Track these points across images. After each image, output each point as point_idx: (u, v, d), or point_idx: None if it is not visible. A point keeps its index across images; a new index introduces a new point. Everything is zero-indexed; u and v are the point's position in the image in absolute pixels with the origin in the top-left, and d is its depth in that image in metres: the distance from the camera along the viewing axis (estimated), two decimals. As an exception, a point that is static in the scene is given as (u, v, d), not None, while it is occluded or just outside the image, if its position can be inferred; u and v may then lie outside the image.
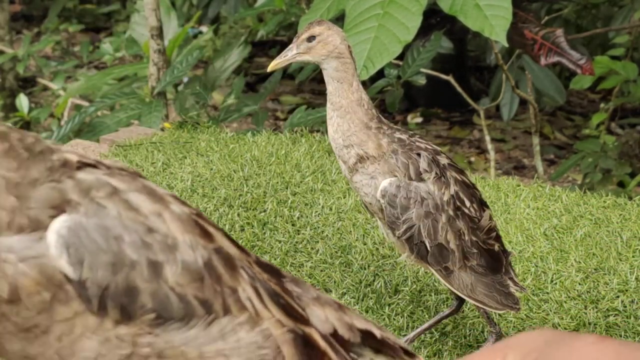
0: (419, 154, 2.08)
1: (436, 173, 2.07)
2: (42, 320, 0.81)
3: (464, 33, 5.36)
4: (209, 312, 0.89)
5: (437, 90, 5.40)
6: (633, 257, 2.54)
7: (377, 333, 1.03)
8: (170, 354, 0.86)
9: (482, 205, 2.14)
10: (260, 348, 0.91)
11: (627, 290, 2.42)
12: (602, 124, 4.94)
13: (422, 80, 3.67)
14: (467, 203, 2.09)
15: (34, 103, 6.33)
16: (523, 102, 4.92)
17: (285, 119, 5.66)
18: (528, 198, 2.93)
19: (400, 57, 3.07)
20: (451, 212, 2.06)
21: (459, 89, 4.12)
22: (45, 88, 6.59)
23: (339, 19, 3.40)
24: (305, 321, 0.97)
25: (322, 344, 0.96)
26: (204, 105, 4.26)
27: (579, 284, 2.45)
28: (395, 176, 2.05)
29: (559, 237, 2.67)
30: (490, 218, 2.13)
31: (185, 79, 5.02)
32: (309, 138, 3.33)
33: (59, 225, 0.83)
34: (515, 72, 4.56)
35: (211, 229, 0.94)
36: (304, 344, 0.95)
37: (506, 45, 2.79)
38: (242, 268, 0.95)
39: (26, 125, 5.78)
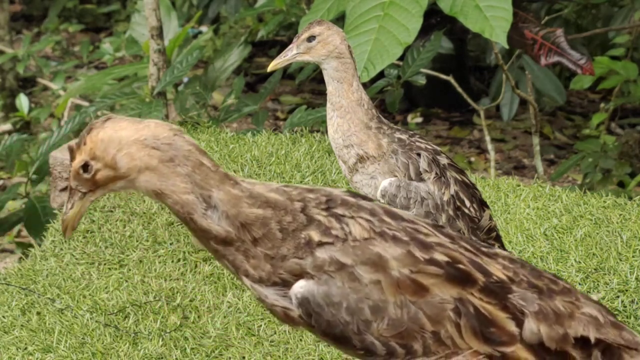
0: (419, 154, 2.08)
1: (436, 173, 2.07)
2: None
3: (464, 33, 5.36)
4: (409, 352, 1.15)
5: (437, 90, 5.39)
6: (633, 257, 2.54)
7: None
8: None
9: (482, 205, 2.15)
10: None
11: (627, 290, 2.42)
12: (602, 124, 4.94)
13: (422, 81, 3.67)
14: (467, 203, 2.09)
15: (34, 103, 6.32)
16: (523, 102, 4.91)
17: (285, 119, 5.66)
18: (528, 198, 2.93)
19: (401, 57, 3.07)
20: (451, 212, 2.06)
21: (459, 89, 4.12)
22: (45, 88, 6.59)
23: (339, 20, 3.39)
24: (510, 342, 1.22)
25: (525, 355, 1.22)
26: (204, 105, 4.26)
27: (579, 283, 2.45)
28: (396, 176, 2.06)
29: (559, 237, 2.67)
30: (490, 218, 2.13)
31: (185, 79, 5.02)
32: (309, 138, 3.33)
33: (297, 288, 1.17)
34: (516, 72, 4.56)
35: (429, 281, 1.18)
36: None
37: (506, 46, 2.79)
38: (449, 310, 1.20)
39: (26, 125, 5.78)
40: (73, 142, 1.24)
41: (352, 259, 1.19)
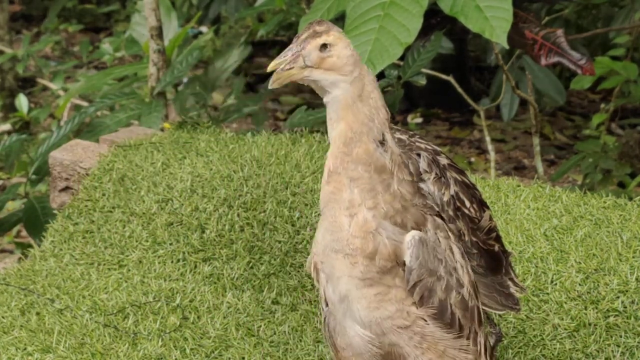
0: (419, 154, 2.07)
1: (436, 173, 2.06)
2: (375, 277, 1.26)
3: (465, 33, 5.35)
4: (461, 331, 1.30)
5: (437, 91, 5.39)
6: (633, 257, 2.54)
7: None
8: (429, 340, 1.28)
9: (482, 205, 2.14)
10: None
11: (627, 291, 2.42)
12: (603, 125, 4.93)
13: (422, 81, 3.67)
14: (467, 203, 2.09)
15: (34, 103, 6.32)
16: (523, 103, 4.91)
17: (285, 119, 5.65)
18: (528, 198, 2.93)
19: (401, 57, 3.06)
20: (451, 213, 2.05)
21: (459, 89, 4.12)
22: (45, 88, 6.59)
23: (339, 20, 3.39)
24: None
25: None
26: (204, 105, 4.26)
27: (579, 284, 2.45)
28: (395, 177, 2.05)
29: (559, 238, 2.66)
30: (490, 218, 2.12)
31: (185, 79, 5.02)
32: (309, 138, 3.32)
33: (413, 234, 1.30)
34: (516, 72, 4.55)
35: (476, 290, 1.45)
36: None
37: (507, 47, 2.79)
38: (484, 326, 1.43)
39: (25, 125, 5.77)
40: (318, 26, 1.41)
41: (452, 236, 1.41)
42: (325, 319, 1.38)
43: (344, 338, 1.33)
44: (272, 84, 1.42)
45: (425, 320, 1.31)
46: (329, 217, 1.32)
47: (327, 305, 1.36)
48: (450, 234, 1.40)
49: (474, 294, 1.39)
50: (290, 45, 2.11)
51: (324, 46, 1.37)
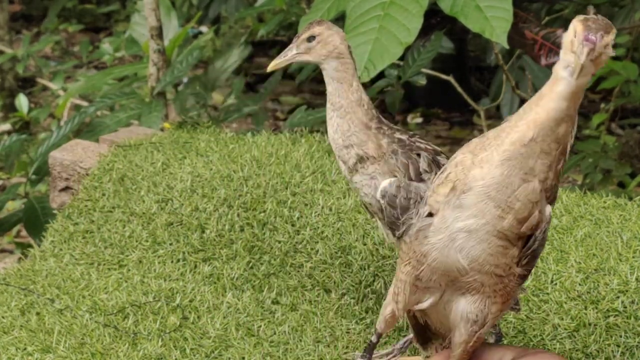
0: (419, 155, 2.08)
1: (436, 173, 2.06)
2: (511, 236, 1.41)
3: (465, 33, 5.36)
4: (520, 290, 1.59)
5: (437, 91, 5.40)
6: (633, 257, 2.54)
7: None
8: (507, 290, 1.45)
9: (482, 205, 2.14)
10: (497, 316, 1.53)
11: (627, 291, 2.42)
12: (603, 125, 4.93)
13: (422, 81, 3.67)
14: (467, 204, 2.09)
15: (34, 103, 6.32)
16: (523, 103, 4.91)
17: (285, 119, 5.65)
18: (528, 198, 2.93)
19: (401, 57, 3.06)
20: (451, 213, 2.05)
21: (459, 89, 4.12)
22: (45, 88, 6.59)
23: (339, 20, 3.39)
24: None
25: None
26: (204, 105, 4.26)
27: (579, 284, 2.45)
28: (396, 176, 2.05)
29: (559, 238, 2.66)
30: (491, 219, 2.12)
31: (185, 79, 5.02)
32: (309, 138, 3.32)
33: (549, 209, 1.44)
34: (516, 72, 4.56)
35: None
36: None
37: (507, 47, 2.79)
38: None
39: (25, 125, 5.78)
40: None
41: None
42: (420, 226, 1.47)
43: (438, 254, 1.41)
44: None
45: (515, 277, 1.43)
46: (504, 170, 1.37)
47: (429, 215, 1.44)
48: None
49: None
50: (290, 45, 2.11)
51: (607, 46, 1.46)
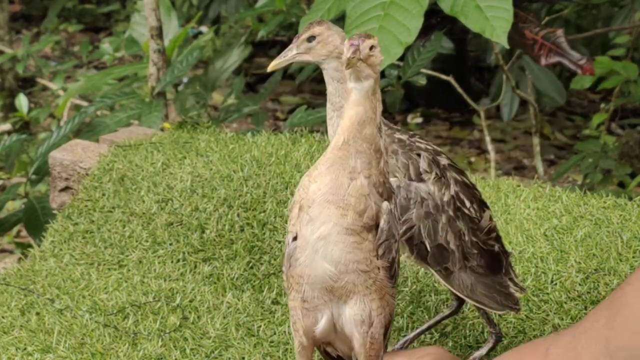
0: (419, 155, 2.07)
1: (436, 173, 2.06)
2: (357, 229, 1.59)
3: (465, 33, 5.36)
4: (395, 282, 1.71)
5: (437, 91, 5.40)
6: (633, 257, 2.54)
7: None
8: (378, 284, 1.60)
9: (482, 205, 2.14)
10: (392, 310, 1.68)
11: (627, 291, 2.42)
12: (603, 125, 4.94)
13: (422, 81, 3.67)
14: (467, 204, 2.09)
15: (34, 103, 6.32)
16: (523, 103, 4.91)
17: (285, 119, 5.65)
18: (528, 198, 2.93)
19: (401, 57, 3.06)
20: (451, 213, 2.05)
21: (459, 89, 4.12)
22: (45, 88, 6.59)
23: (339, 20, 3.39)
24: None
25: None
26: (204, 105, 4.26)
27: (579, 284, 2.45)
28: (395, 177, 2.05)
29: (559, 238, 2.66)
30: (491, 219, 2.12)
31: (185, 79, 5.03)
32: (309, 138, 3.32)
33: (387, 204, 1.61)
34: (516, 72, 4.56)
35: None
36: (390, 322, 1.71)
37: (507, 47, 2.78)
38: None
39: (25, 125, 5.78)
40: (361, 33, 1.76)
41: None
42: (289, 251, 1.64)
43: (306, 269, 1.60)
44: (349, 66, 1.73)
45: (379, 269, 1.62)
46: (332, 175, 1.59)
47: (294, 239, 1.62)
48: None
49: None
50: (290, 45, 2.11)
51: (371, 47, 1.72)
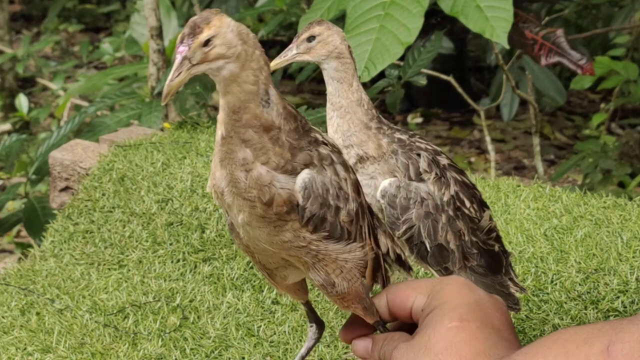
0: (419, 154, 2.08)
1: (436, 173, 2.06)
2: (273, 217, 1.45)
3: (465, 33, 5.36)
4: (349, 237, 1.52)
5: (437, 91, 5.40)
6: (633, 257, 2.54)
7: (403, 257, 1.73)
8: (323, 253, 1.49)
9: (482, 205, 2.14)
10: (361, 260, 1.53)
11: (627, 291, 2.42)
12: (603, 125, 4.94)
13: (423, 81, 3.67)
14: (467, 203, 2.09)
15: (34, 103, 6.32)
16: (523, 103, 4.91)
17: (285, 119, 5.64)
18: (528, 198, 2.93)
19: (401, 57, 3.06)
20: (451, 213, 2.06)
21: (459, 89, 4.12)
22: (45, 88, 6.59)
23: (339, 20, 3.39)
24: (379, 246, 1.62)
25: (382, 262, 1.63)
26: (204, 105, 4.25)
27: (579, 284, 2.45)
28: (395, 176, 2.05)
29: (559, 238, 2.66)
30: (490, 218, 2.13)
31: (185, 79, 5.01)
32: (309, 138, 3.32)
33: (302, 177, 1.45)
34: (516, 72, 4.56)
35: (361, 190, 1.59)
36: (377, 261, 1.59)
37: (507, 47, 2.79)
38: (368, 213, 1.59)
39: (25, 125, 5.78)
40: (198, 19, 1.45)
41: (336, 159, 1.54)
42: (228, 224, 1.57)
43: (250, 243, 1.53)
44: (164, 99, 1.52)
45: (319, 241, 1.50)
46: (226, 170, 1.46)
47: (227, 214, 1.53)
48: (333, 155, 1.54)
49: (356, 195, 1.56)
50: (290, 45, 2.11)
51: (207, 42, 1.43)
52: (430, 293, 1.42)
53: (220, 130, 1.45)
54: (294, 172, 1.46)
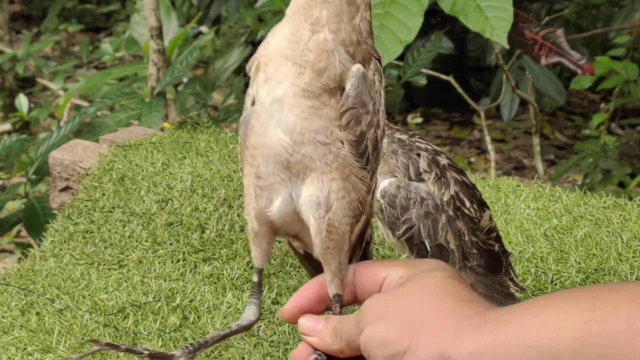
0: (418, 154, 2.08)
1: (436, 173, 2.07)
2: (316, 91, 1.34)
3: (465, 33, 5.36)
4: (367, 164, 1.39)
5: (437, 91, 5.40)
6: (633, 257, 2.54)
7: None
8: (339, 160, 1.36)
9: (482, 205, 2.14)
10: (363, 200, 1.39)
11: (627, 291, 2.42)
12: (603, 125, 4.94)
13: (422, 81, 3.67)
14: (467, 203, 2.09)
15: (34, 103, 6.32)
16: (523, 103, 4.91)
17: (285, 119, 5.65)
18: (528, 198, 2.93)
19: (401, 57, 3.06)
20: (451, 213, 2.06)
21: (459, 89, 4.12)
22: (45, 88, 6.59)
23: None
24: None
25: (370, 229, 1.47)
26: (204, 105, 4.26)
27: (579, 284, 2.45)
28: (395, 176, 2.05)
29: (559, 238, 2.66)
30: (490, 218, 2.13)
31: (185, 79, 5.02)
32: (309, 138, 3.32)
33: (359, 66, 1.36)
34: (516, 72, 4.56)
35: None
36: (366, 224, 1.44)
37: (507, 46, 2.79)
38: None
39: (25, 125, 5.78)
40: None
41: (379, 76, 1.45)
42: (245, 117, 1.42)
43: (260, 137, 1.36)
44: None
45: (343, 143, 1.37)
46: (292, 26, 1.35)
47: (252, 104, 1.40)
48: (383, 78, 1.47)
49: (383, 136, 1.49)
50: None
51: None
52: (409, 265, 1.33)
53: None
54: (353, 58, 1.38)
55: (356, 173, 1.39)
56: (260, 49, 1.43)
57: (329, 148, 1.35)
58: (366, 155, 1.40)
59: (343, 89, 1.37)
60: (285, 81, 1.35)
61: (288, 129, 1.35)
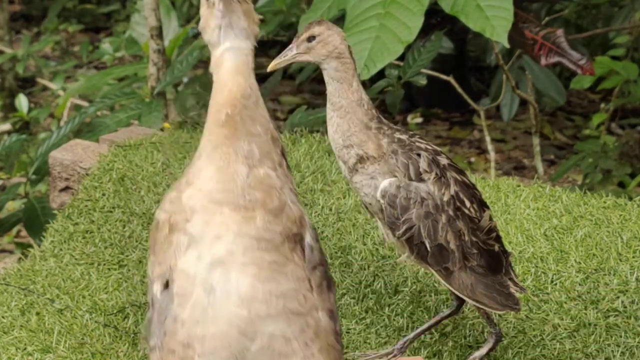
0: (419, 155, 2.08)
1: (436, 173, 2.06)
2: (276, 239, 1.06)
3: (465, 33, 5.35)
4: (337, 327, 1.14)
5: (437, 91, 5.39)
6: (633, 257, 2.54)
7: None
8: (322, 337, 1.03)
9: (482, 205, 2.14)
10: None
11: (627, 291, 2.42)
12: (603, 125, 4.93)
13: (423, 81, 3.66)
14: (467, 203, 2.09)
15: (34, 103, 6.32)
16: (523, 103, 4.91)
17: (285, 119, 5.65)
18: (528, 198, 2.93)
19: (401, 57, 3.06)
20: (451, 213, 2.06)
21: (459, 89, 4.11)
22: (45, 88, 6.58)
23: (339, 19, 3.39)
24: None
25: None
26: (204, 105, 4.25)
27: (579, 284, 2.45)
28: (395, 176, 2.05)
29: (559, 238, 2.66)
30: (490, 218, 2.13)
31: (185, 79, 5.02)
32: (309, 138, 3.32)
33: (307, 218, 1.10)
34: (516, 72, 4.55)
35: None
36: None
37: (507, 46, 2.78)
38: None
39: (25, 125, 5.77)
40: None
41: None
42: (157, 312, 0.98)
43: (197, 327, 0.94)
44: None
45: (318, 311, 1.00)
46: (218, 163, 1.03)
47: (165, 288, 0.98)
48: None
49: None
50: (290, 45, 2.11)
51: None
52: None
53: (224, 110, 1.10)
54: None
55: (335, 346, 1.04)
56: (167, 207, 1.05)
57: (306, 320, 0.96)
58: (338, 322, 1.06)
59: (302, 239, 1.05)
60: (226, 234, 1.00)
61: (244, 298, 0.94)
